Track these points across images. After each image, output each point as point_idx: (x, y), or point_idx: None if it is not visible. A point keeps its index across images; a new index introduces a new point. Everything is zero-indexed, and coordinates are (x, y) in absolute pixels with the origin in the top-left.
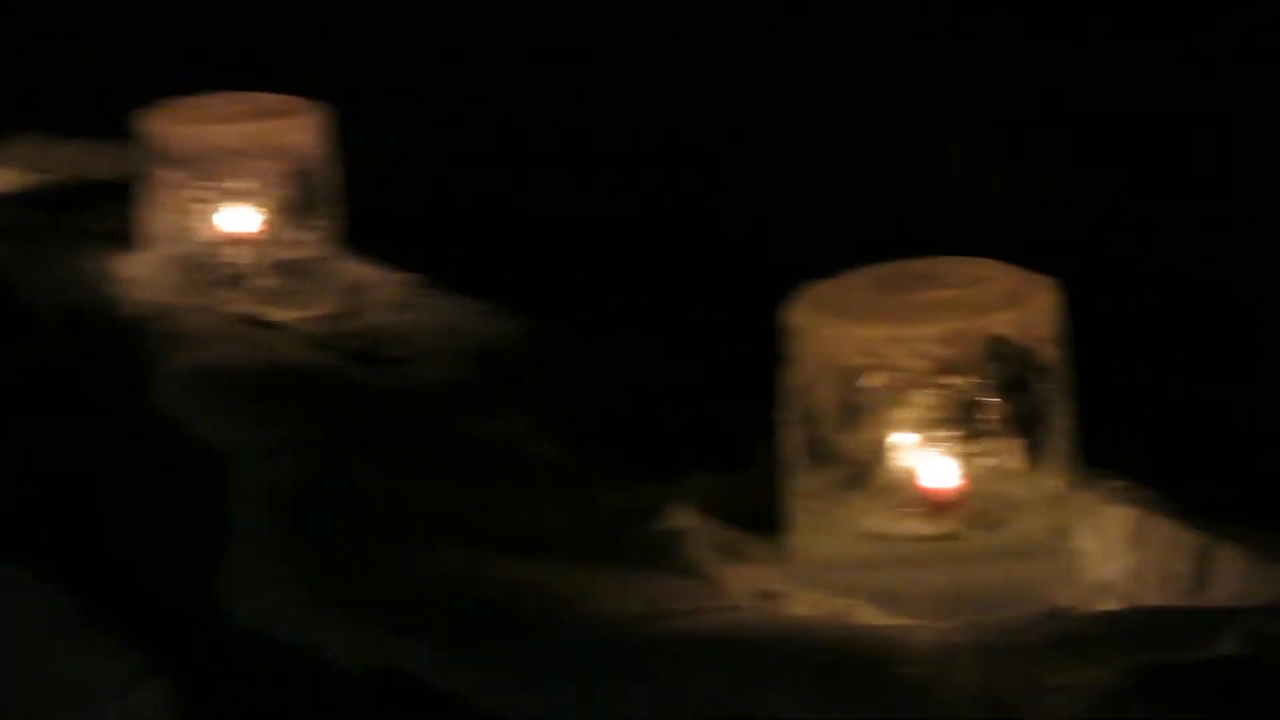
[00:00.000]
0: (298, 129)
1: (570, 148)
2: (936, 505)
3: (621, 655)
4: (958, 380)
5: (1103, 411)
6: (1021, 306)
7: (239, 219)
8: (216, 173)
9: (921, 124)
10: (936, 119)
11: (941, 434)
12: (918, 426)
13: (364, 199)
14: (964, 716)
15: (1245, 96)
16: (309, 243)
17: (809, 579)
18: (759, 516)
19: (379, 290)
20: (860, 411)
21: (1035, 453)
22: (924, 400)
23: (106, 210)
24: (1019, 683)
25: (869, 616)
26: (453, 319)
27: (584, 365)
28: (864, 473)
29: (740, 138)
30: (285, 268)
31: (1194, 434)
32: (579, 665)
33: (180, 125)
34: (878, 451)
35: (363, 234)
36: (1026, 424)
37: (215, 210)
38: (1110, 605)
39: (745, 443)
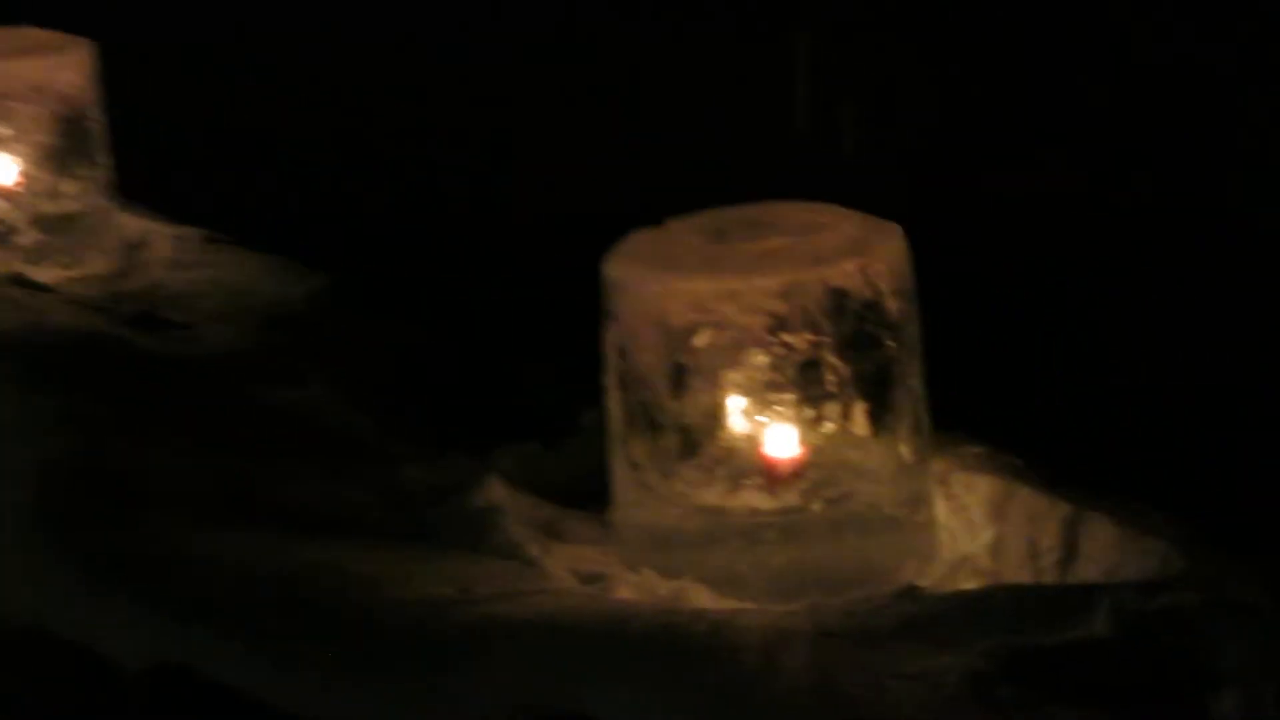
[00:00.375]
0: (63, 68)
1: (372, 88)
2: (775, 476)
3: (432, 647)
4: (795, 338)
5: (957, 371)
6: (865, 255)
7: None
8: None
9: (760, 41)
10: (778, 40)
11: (779, 398)
12: (753, 390)
13: (138, 145)
14: (803, 709)
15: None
16: (77, 194)
17: (636, 559)
18: (581, 491)
19: (158, 246)
20: (689, 374)
21: (882, 417)
22: (759, 361)
23: None
24: (865, 671)
25: (702, 599)
26: (241, 277)
27: (388, 327)
28: (695, 441)
29: (540, 79)
30: (51, 222)
31: (1059, 394)
32: (385, 659)
33: None
34: (710, 418)
35: (138, 184)
36: (872, 385)
37: None
38: (968, 584)
39: (565, 410)
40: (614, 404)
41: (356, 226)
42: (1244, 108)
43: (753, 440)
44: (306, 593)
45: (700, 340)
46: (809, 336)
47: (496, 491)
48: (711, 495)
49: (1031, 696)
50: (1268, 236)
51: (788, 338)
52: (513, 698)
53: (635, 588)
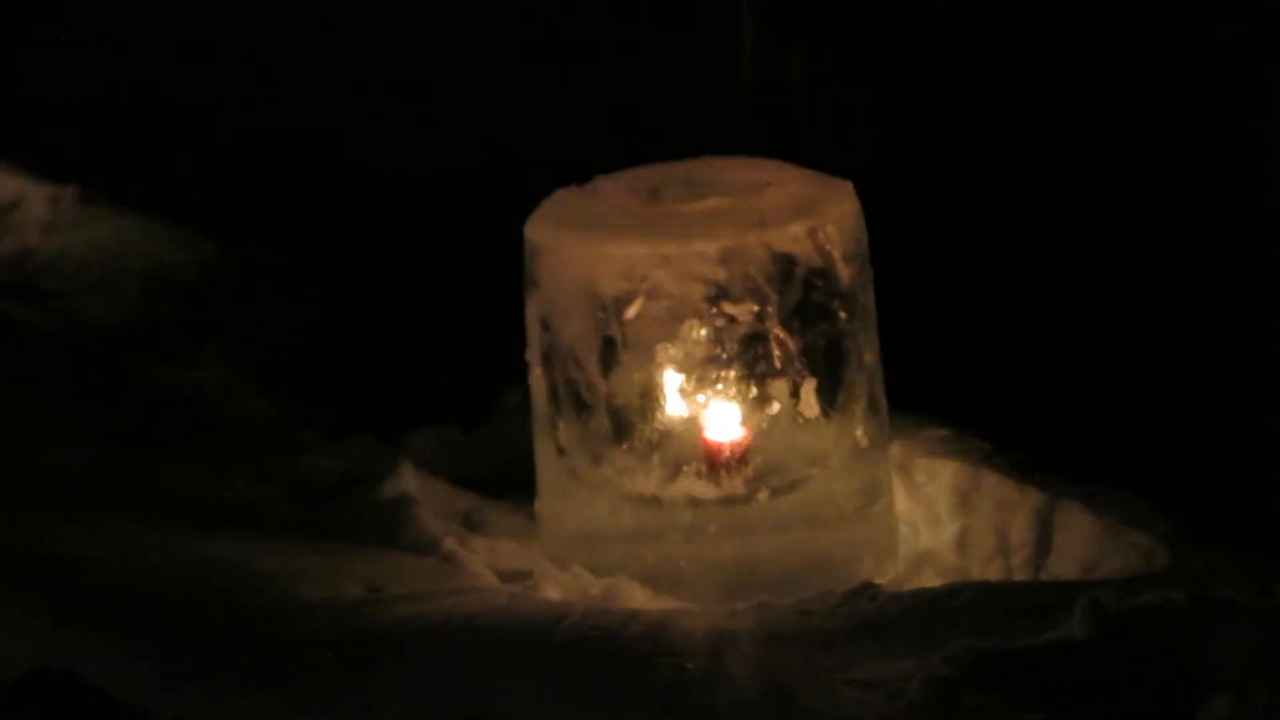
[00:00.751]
0: None
1: (271, 46)
2: (716, 462)
3: (337, 653)
4: (737, 308)
5: (917, 345)
6: (814, 216)
7: None
8: None
9: None
10: None
11: (720, 375)
12: (691, 366)
13: (8, 96)
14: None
15: None
16: None
17: (564, 554)
18: (503, 479)
19: (29, 207)
20: (621, 348)
21: (835, 396)
22: (697, 334)
23: None
24: (818, 678)
25: (637, 599)
26: (122, 242)
27: (287, 300)
28: (628, 424)
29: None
30: None
31: (1031, 371)
32: (284, 667)
33: None
34: (644, 397)
35: (9, 138)
36: (823, 361)
37: None
38: (932, 581)
39: (485, 390)
40: (537, 383)
41: (250, 189)
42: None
43: (692, 422)
44: (199, 593)
45: (632, 311)
46: (752, 306)
47: (409, 480)
48: (647, 483)
49: (1001, 705)
50: (1249, 220)
51: (729, 308)
52: (427, 709)
53: (563, 586)
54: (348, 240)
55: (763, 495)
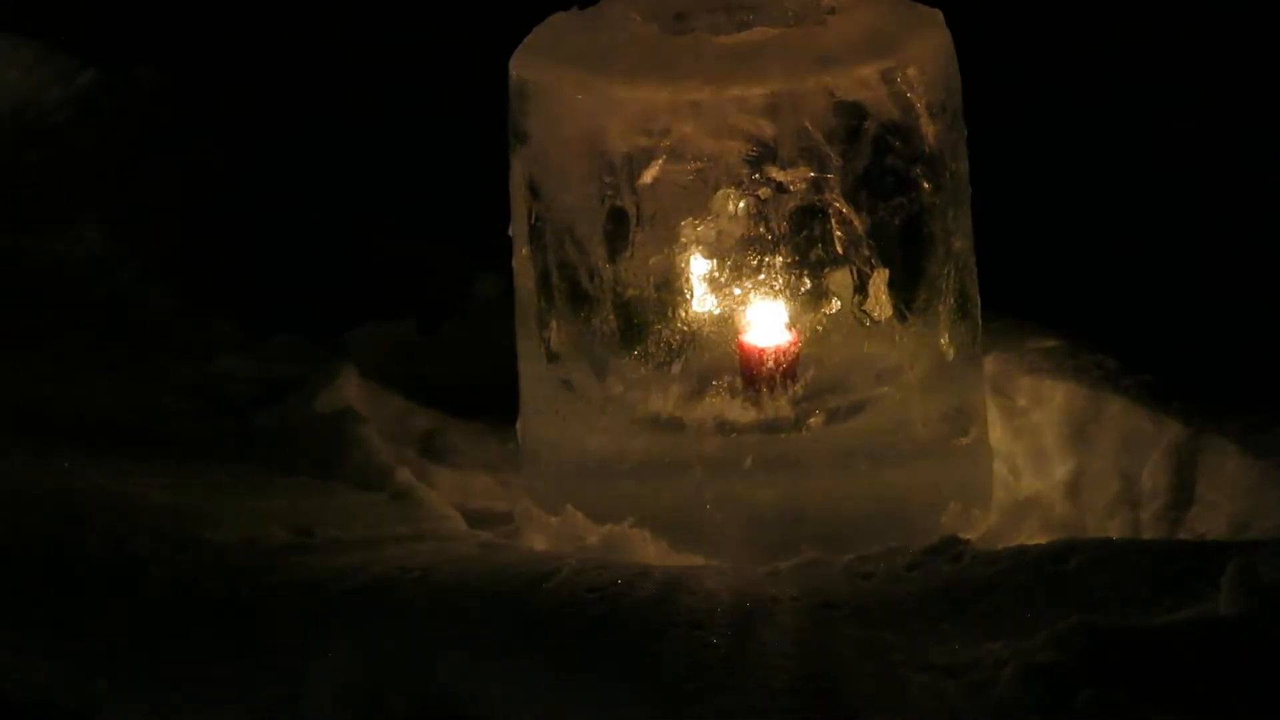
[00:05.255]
0: None
1: None
2: (756, 376)
3: (253, 611)
4: (787, 174)
5: (1021, 228)
6: (891, 55)
7: None
8: None
9: None
10: None
11: (763, 261)
12: (724, 249)
13: None
14: (788, 711)
15: None
16: None
17: (553, 492)
18: (473, 393)
19: None
20: (633, 224)
21: (914, 293)
22: (734, 207)
23: None
24: (879, 660)
25: (646, 552)
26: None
27: (192, 147)
28: (641, 323)
29: None
30: None
31: (1169, 267)
32: (184, 634)
33: None
34: (662, 289)
35: None
36: (899, 246)
37: None
38: (1035, 538)
39: (450, 275)
40: (523, 267)
41: (141, 6)
42: None
43: (725, 323)
44: (71, 535)
45: (649, 175)
46: (807, 172)
47: (351, 391)
48: (664, 402)
49: (1123, 701)
50: None
51: (777, 174)
52: (370, 694)
53: (551, 534)
54: (272, 65)
55: (815, 420)
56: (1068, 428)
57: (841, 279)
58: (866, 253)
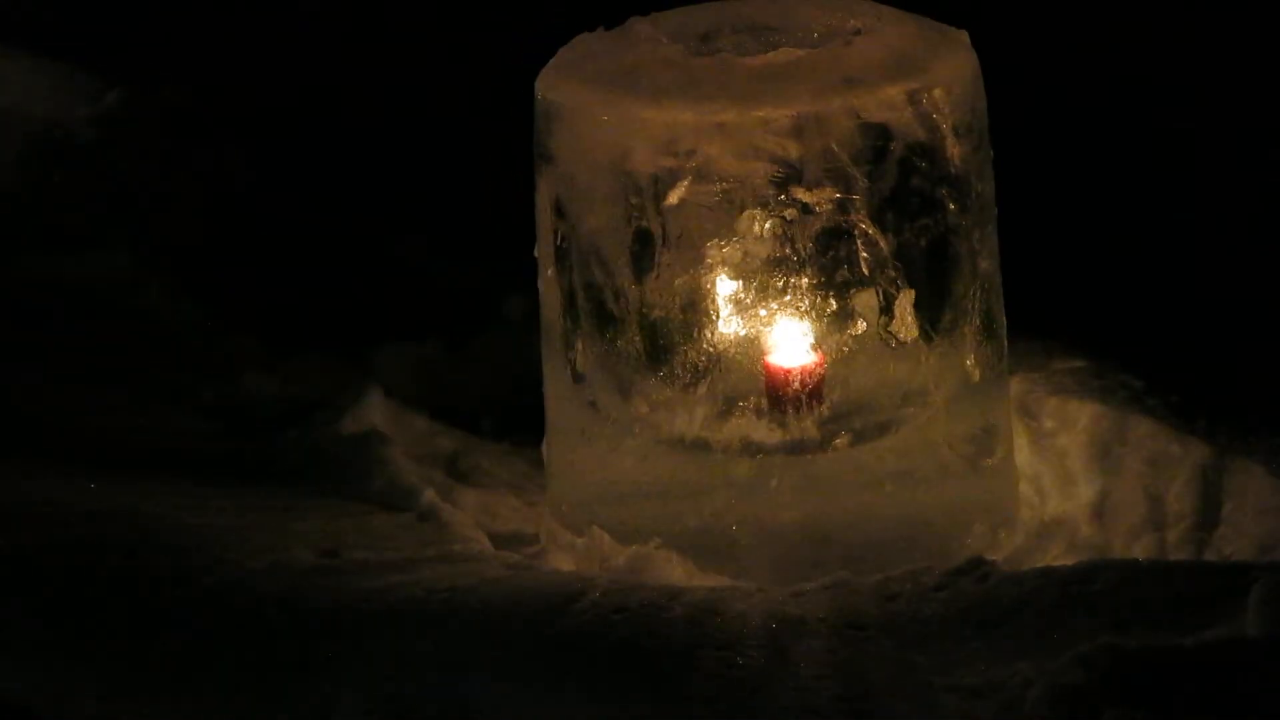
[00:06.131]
0: None
1: None
2: (782, 397)
3: (279, 636)
4: (813, 195)
5: (1047, 250)
6: (917, 76)
7: None
8: None
9: None
10: None
11: (789, 283)
12: (750, 270)
13: None
14: None
15: None
16: None
17: (579, 514)
18: (499, 414)
19: None
20: (659, 245)
21: (939, 314)
22: (760, 228)
23: None
24: (908, 680)
25: (673, 574)
26: (3, 93)
27: (219, 167)
28: (667, 344)
29: None
30: None
31: (1195, 288)
32: (212, 656)
33: None
34: (688, 310)
35: None
36: (925, 267)
37: None
38: (1061, 559)
39: (477, 296)
40: (549, 288)
41: (165, 15)
42: None
43: (751, 344)
44: (98, 558)
45: (675, 196)
46: (833, 193)
47: (377, 411)
48: (690, 423)
49: None
50: None
51: (803, 195)
52: (393, 708)
53: (578, 555)
54: (297, 83)
55: (841, 441)
56: (1094, 449)
57: (867, 300)
58: (892, 274)
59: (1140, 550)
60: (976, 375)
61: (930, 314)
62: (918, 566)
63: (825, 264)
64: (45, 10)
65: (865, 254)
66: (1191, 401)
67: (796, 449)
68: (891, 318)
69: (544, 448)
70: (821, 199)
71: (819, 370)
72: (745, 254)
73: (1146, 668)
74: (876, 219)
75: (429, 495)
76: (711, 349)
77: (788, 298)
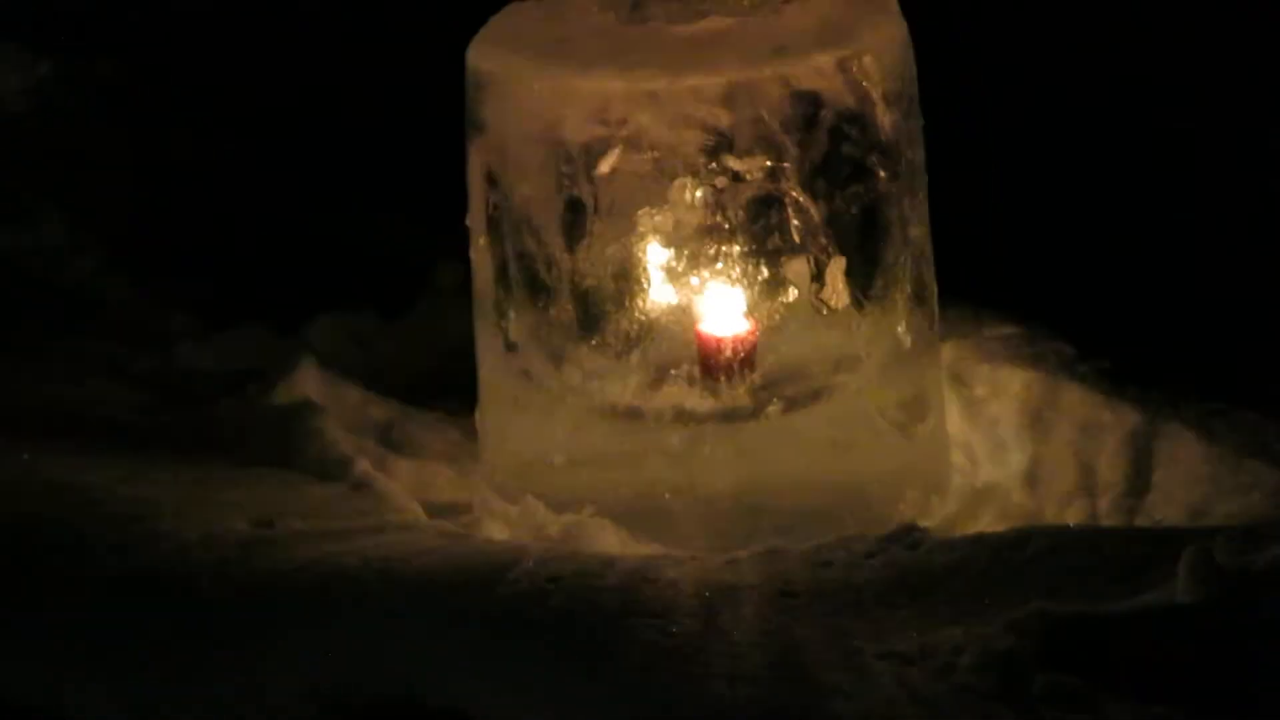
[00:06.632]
0: None
1: None
2: (714, 365)
3: (213, 606)
4: (744, 163)
5: (977, 216)
6: (847, 43)
7: None
8: None
9: None
10: None
11: (721, 251)
12: (682, 238)
13: None
14: (750, 700)
15: None
16: None
17: (513, 482)
18: (432, 383)
19: None
20: (591, 214)
21: (870, 281)
22: (692, 196)
23: None
24: (840, 646)
25: (607, 542)
26: None
27: (152, 137)
28: (599, 312)
29: None
30: None
31: (1125, 253)
32: (145, 628)
33: None
34: (620, 279)
35: None
36: (856, 235)
37: None
38: (993, 525)
39: (409, 264)
40: (481, 257)
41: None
42: None
43: (683, 312)
44: (31, 530)
45: (607, 165)
46: (764, 161)
47: (310, 382)
48: (623, 391)
49: (1080, 687)
50: None
51: (734, 163)
52: (332, 686)
53: (512, 524)
54: (230, 56)
55: (774, 409)
56: (1025, 416)
57: (798, 268)
58: (823, 241)
59: (1071, 517)
60: (908, 342)
61: (861, 281)
62: (850, 534)
63: (756, 232)
64: None
65: (796, 221)
66: (1122, 367)
67: (729, 417)
68: (823, 285)
69: (477, 417)
70: (752, 167)
71: (751, 338)
72: (677, 222)
73: (1078, 633)
74: (807, 187)
75: (363, 465)
76: (644, 317)
77: (719, 266)
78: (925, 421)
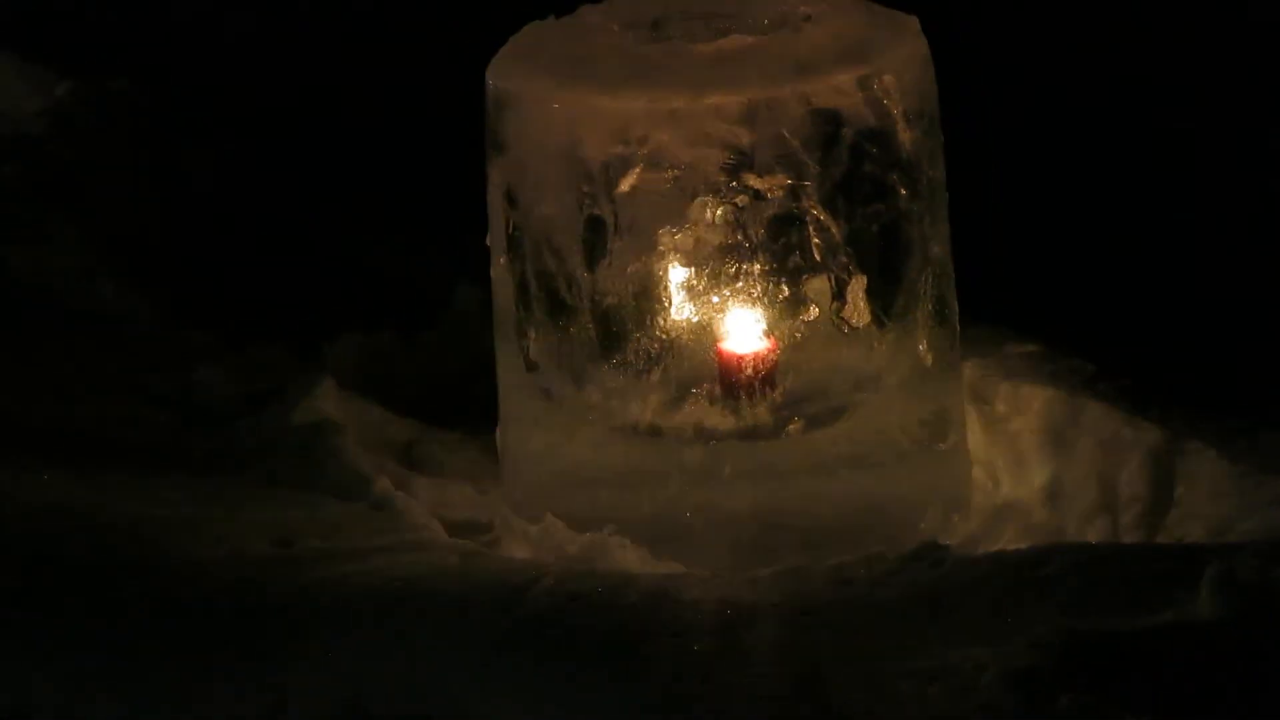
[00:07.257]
0: None
1: None
2: (734, 383)
3: (235, 627)
4: (765, 182)
5: (999, 235)
6: (867, 62)
7: None
8: None
9: None
10: None
11: (741, 269)
12: (703, 257)
13: None
14: (768, 718)
15: None
16: None
17: (533, 501)
18: (453, 403)
19: None
20: (612, 233)
21: (891, 299)
22: (712, 215)
23: None
24: (861, 666)
25: (627, 560)
26: None
27: (171, 158)
28: (620, 332)
29: None
30: None
31: (1148, 273)
32: (164, 647)
33: None
34: (641, 298)
35: None
36: (877, 253)
37: None
38: (1014, 543)
39: (429, 285)
40: (501, 276)
41: (119, 16)
42: None
43: (703, 331)
44: (49, 549)
45: (627, 184)
46: (784, 180)
47: (330, 402)
48: (643, 410)
49: (1102, 705)
50: None
51: (754, 181)
52: (352, 703)
53: (532, 543)
54: (252, 81)
55: (794, 427)
56: (1046, 433)
57: (819, 286)
58: (844, 259)
59: (1093, 534)
60: (929, 360)
61: (882, 299)
62: (871, 552)
63: (777, 250)
64: None
65: (817, 240)
66: (1144, 385)
67: (749, 435)
68: (844, 303)
69: (498, 436)
70: (773, 185)
71: (771, 356)
72: (697, 241)
73: (1100, 651)
74: (828, 205)
75: (383, 484)
76: (664, 336)
77: (740, 284)
78: (946, 439)
